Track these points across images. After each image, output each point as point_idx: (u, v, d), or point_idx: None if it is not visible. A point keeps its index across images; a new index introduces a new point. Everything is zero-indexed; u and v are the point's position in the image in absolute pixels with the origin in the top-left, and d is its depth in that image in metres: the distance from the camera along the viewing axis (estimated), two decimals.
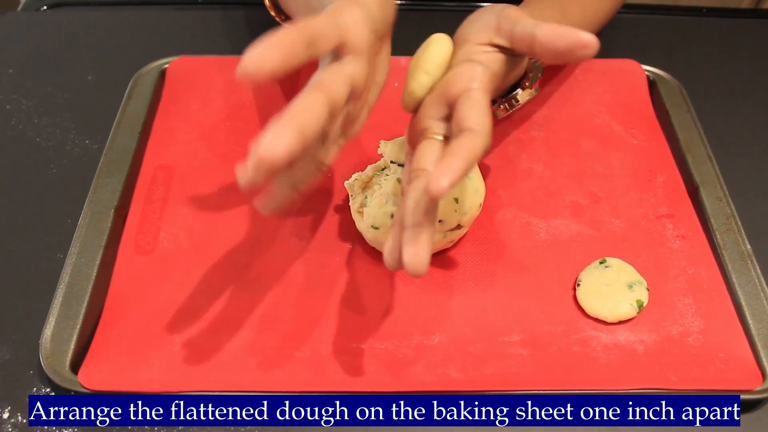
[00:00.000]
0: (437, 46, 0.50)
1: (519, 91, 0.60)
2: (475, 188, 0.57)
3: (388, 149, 0.56)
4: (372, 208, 0.55)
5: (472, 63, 0.48)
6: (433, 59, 0.50)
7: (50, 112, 0.71)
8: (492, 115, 0.60)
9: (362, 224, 0.57)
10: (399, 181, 0.55)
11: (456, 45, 0.51)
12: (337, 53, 0.45)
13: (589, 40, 0.45)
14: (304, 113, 0.40)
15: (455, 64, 0.49)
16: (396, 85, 0.71)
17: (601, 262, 0.57)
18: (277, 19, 0.66)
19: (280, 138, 0.38)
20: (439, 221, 0.54)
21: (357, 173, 0.57)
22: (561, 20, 0.61)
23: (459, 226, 0.56)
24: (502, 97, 0.61)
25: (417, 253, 0.42)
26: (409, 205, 0.44)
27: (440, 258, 0.58)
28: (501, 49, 0.50)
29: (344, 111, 0.47)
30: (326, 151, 0.48)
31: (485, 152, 0.44)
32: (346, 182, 0.58)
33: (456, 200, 0.55)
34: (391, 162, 0.56)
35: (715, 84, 0.76)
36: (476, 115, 0.45)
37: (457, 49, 0.51)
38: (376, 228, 0.55)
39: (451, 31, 0.53)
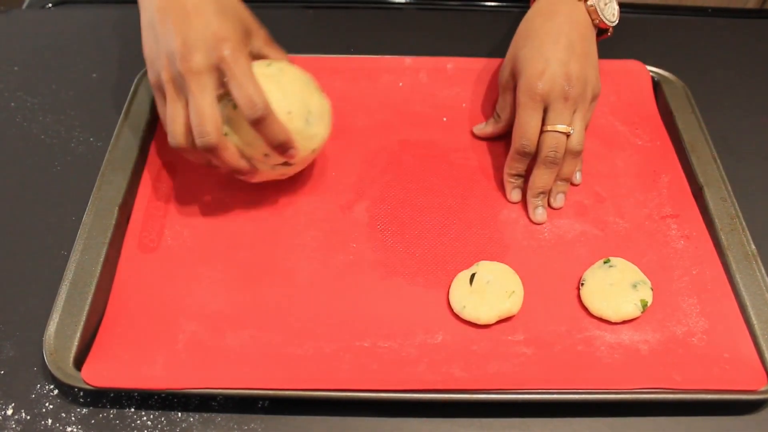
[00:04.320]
0: None
1: None
2: (312, 134, 0.58)
3: None
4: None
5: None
6: None
7: (55, 109, 0.71)
8: None
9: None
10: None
11: None
12: None
13: None
14: None
15: None
16: (401, 84, 0.72)
17: (605, 262, 0.57)
18: None
19: None
20: (265, 155, 0.56)
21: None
22: None
23: (286, 164, 0.58)
24: None
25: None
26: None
27: (442, 256, 0.58)
28: None
29: None
30: None
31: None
32: None
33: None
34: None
35: (719, 85, 0.76)
36: None
37: None
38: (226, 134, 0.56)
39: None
